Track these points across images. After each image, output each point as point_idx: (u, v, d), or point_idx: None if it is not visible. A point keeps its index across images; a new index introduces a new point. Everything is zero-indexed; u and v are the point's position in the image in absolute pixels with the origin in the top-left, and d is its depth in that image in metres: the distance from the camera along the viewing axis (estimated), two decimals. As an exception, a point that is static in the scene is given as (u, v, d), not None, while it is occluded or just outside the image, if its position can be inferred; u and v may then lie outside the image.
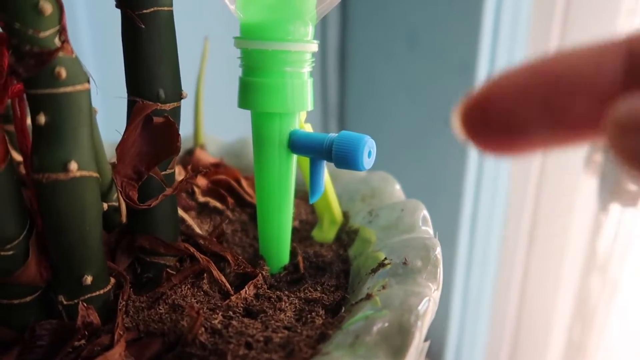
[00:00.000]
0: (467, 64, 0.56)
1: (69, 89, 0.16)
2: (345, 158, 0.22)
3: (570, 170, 0.54)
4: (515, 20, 0.56)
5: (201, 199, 0.29)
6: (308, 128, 0.26)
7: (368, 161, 0.22)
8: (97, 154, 0.18)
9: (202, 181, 0.30)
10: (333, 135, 0.22)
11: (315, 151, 0.23)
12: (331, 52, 0.65)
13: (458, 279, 0.63)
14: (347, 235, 0.28)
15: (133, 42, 0.20)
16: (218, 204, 0.29)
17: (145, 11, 0.20)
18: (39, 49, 0.15)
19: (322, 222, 0.30)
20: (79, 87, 0.16)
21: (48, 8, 0.15)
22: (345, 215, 0.30)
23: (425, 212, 0.26)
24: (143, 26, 0.20)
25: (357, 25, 0.61)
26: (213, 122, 0.43)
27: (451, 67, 0.56)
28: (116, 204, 0.25)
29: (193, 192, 0.29)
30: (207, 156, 0.34)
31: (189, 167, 0.29)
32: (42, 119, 0.16)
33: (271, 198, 0.24)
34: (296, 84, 0.22)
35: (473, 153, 0.57)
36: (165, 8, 0.20)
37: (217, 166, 0.34)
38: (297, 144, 0.23)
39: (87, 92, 0.17)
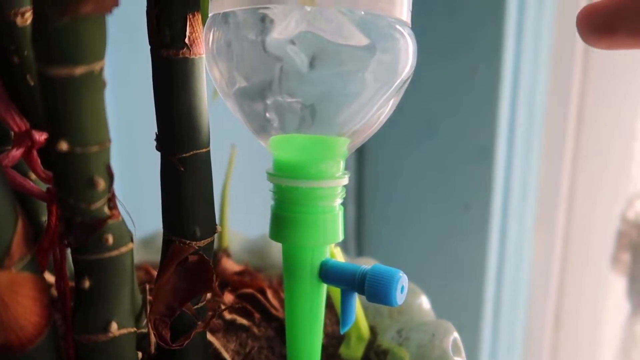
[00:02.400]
0: (485, 150, 0.57)
1: (114, 252, 0.16)
2: (377, 294, 0.22)
3: (594, 264, 0.54)
4: (532, 107, 0.57)
5: (228, 316, 0.29)
6: (338, 253, 0.26)
7: (400, 296, 0.22)
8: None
9: (228, 297, 0.30)
10: (365, 267, 0.22)
11: (346, 283, 0.23)
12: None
13: (483, 368, 0.61)
14: (376, 355, 0.28)
15: (172, 184, 0.21)
16: (244, 321, 0.29)
17: (184, 155, 0.21)
18: (89, 220, 0.16)
19: (350, 338, 0.29)
20: (123, 250, 0.17)
21: (101, 183, 0.15)
22: (373, 330, 0.29)
23: (455, 335, 0.26)
24: (182, 169, 0.21)
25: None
26: (236, 214, 0.43)
27: (471, 153, 0.57)
28: (145, 330, 0.25)
29: (219, 309, 0.29)
30: (232, 264, 0.34)
31: (216, 280, 0.30)
32: (86, 283, 0.16)
33: (302, 326, 0.24)
34: (328, 218, 0.22)
35: (494, 238, 0.57)
36: (204, 150, 0.21)
37: (242, 274, 0.34)
38: (328, 275, 0.23)
39: (131, 252, 0.17)
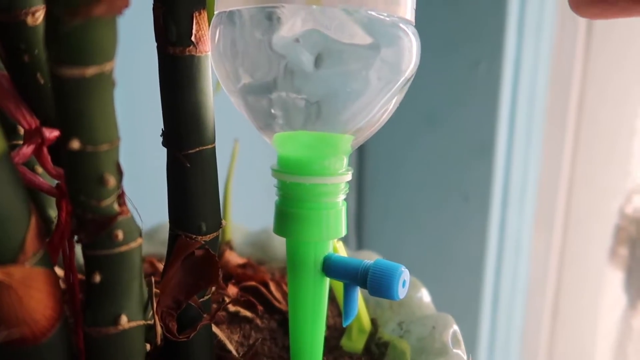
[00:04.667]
0: (485, 144, 0.57)
1: (124, 248, 0.17)
2: (379, 288, 0.22)
3: (592, 258, 0.54)
4: (532, 102, 0.57)
5: (231, 308, 0.29)
6: (341, 247, 0.26)
7: (402, 291, 0.22)
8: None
9: (232, 290, 0.30)
10: (368, 262, 0.23)
11: (349, 277, 0.23)
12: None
13: (481, 358, 0.61)
14: (377, 347, 0.28)
15: (178, 180, 0.21)
16: (248, 313, 0.29)
17: (190, 151, 0.21)
18: (100, 217, 0.16)
19: (351, 330, 0.30)
20: (132, 245, 0.17)
21: (112, 180, 0.16)
22: (374, 323, 0.30)
23: (455, 328, 0.26)
24: (188, 165, 0.21)
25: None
26: (238, 207, 0.43)
27: (471, 148, 0.58)
28: (151, 322, 0.25)
29: (223, 301, 0.30)
30: (235, 257, 0.34)
31: (220, 276, 0.30)
32: (97, 277, 0.17)
33: (305, 319, 0.24)
34: (331, 214, 0.23)
35: (493, 232, 0.58)
36: (209, 146, 0.22)
37: (245, 267, 0.34)
38: (331, 269, 0.23)
39: (139, 247, 0.17)
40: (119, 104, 0.16)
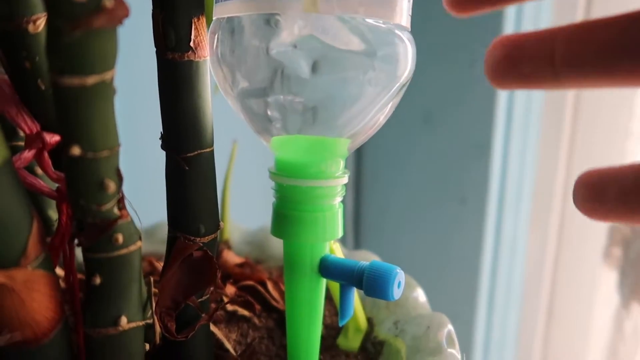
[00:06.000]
0: (482, 145, 0.57)
1: (123, 251, 0.17)
2: (375, 289, 0.22)
3: (587, 259, 0.55)
4: (529, 103, 0.58)
5: (229, 307, 0.29)
6: (337, 248, 0.26)
7: (397, 291, 0.23)
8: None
9: (230, 289, 0.30)
10: (364, 263, 0.23)
11: (345, 278, 0.23)
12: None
13: (476, 357, 0.62)
14: (373, 346, 0.29)
15: (177, 182, 0.22)
16: (245, 312, 0.30)
17: (189, 155, 0.21)
18: (100, 221, 0.16)
19: (347, 329, 0.30)
20: (132, 248, 0.17)
21: (112, 185, 0.16)
22: (370, 322, 0.30)
23: (450, 328, 0.27)
24: (187, 168, 0.21)
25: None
26: (236, 206, 0.44)
27: (467, 148, 0.58)
28: (150, 321, 0.26)
29: (221, 301, 0.30)
30: (233, 257, 0.35)
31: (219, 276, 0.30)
32: (97, 280, 0.17)
33: (301, 319, 0.25)
34: (328, 216, 0.23)
35: (489, 232, 0.58)
36: (208, 149, 0.22)
37: (242, 266, 0.35)
38: (327, 270, 0.24)
39: (139, 250, 0.18)
40: (119, 107, 0.16)
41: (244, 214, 0.46)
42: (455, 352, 0.25)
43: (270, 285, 0.33)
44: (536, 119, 0.57)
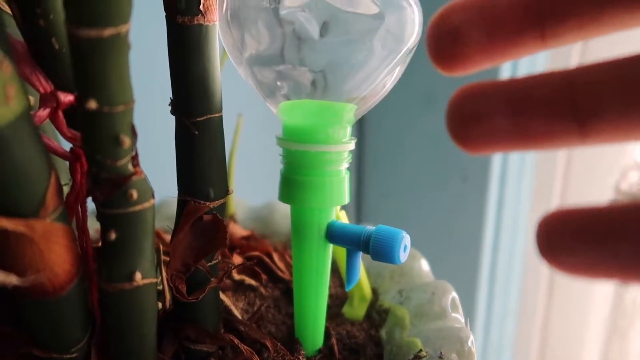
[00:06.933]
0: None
1: (138, 207, 0.17)
2: (381, 252, 0.23)
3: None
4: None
5: (236, 277, 0.30)
6: (343, 216, 0.27)
7: (403, 255, 0.23)
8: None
9: (237, 259, 0.31)
10: (370, 228, 0.24)
11: (352, 243, 0.24)
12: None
13: (478, 337, 0.63)
14: (377, 314, 0.29)
15: (187, 147, 0.22)
16: (252, 282, 0.30)
17: (199, 119, 0.22)
18: (115, 176, 0.17)
19: (353, 298, 0.31)
20: (146, 205, 0.18)
21: (127, 141, 0.16)
22: (375, 292, 0.31)
23: (454, 295, 0.27)
24: (196, 132, 0.22)
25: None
26: (240, 184, 0.44)
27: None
28: (160, 287, 0.26)
29: (230, 268, 0.30)
30: (239, 229, 0.35)
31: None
32: (112, 235, 0.17)
33: (308, 285, 0.25)
34: (335, 181, 0.23)
35: (491, 210, 0.58)
36: (217, 114, 0.22)
37: (248, 239, 0.35)
38: (334, 236, 0.24)
39: (152, 207, 0.18)
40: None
41: (248, 191, 0.46)
42: (459, 316, 0.25)
43: (276, 257, 0.33)
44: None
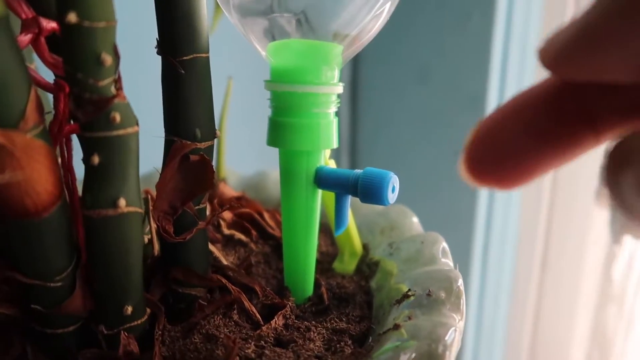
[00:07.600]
0: (477, 97, 0.57)
1: (121, 131, 0.17)
2: (370, 193, 0.23)
3: (581, 201, 0.55)
4: (524, 55, 0.58)
5: (226, 231, 0.30)
6: (332, 164, 0.27)
7: (392, 196, 0.23)
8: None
9: (227, 215, 0.31)
10: (358, 171, 0.23)
11: (341, 186, 0.24)
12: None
13: (471, 311, 0.63)
14: (367, 267, 0.29)
15: (173, 86, 0.22)
16: (242, 237, 0.30)
17: (185, 58, 0.21)
18: (97, 97, 0.16)
19: (343, 254, 0.30)
20: (130, 130, 0.18)
21: (108, 60, 0.16)
22: (365, 247, 0.31)
23: (444, 244, 0.27)
24: (183, 72, 0.21)
25: (369, 60, 0.64)
26: (231, 155, 0.44)
27: (462, 101, 0.58)
28: (149, 236, 0.26)
29: (219, 225, 0.30)
30: (230, 190, 0.35)
31: (215, 201, 0.31)
32: (96, 159, 0.17)
33: (297, 231, 0.25)
34: (323, 124, 0.23)
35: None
36: (203, 55, 0.22)
37: (239, 199, 0.35)
38: (323, 180, 0.24)
39: (136, 134, 0.18)
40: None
41: (238, 162, 0.46)
42: (449, 261, 0.25)
43: (267, 215, 0.33)
44: (531, 69, 0.57)
